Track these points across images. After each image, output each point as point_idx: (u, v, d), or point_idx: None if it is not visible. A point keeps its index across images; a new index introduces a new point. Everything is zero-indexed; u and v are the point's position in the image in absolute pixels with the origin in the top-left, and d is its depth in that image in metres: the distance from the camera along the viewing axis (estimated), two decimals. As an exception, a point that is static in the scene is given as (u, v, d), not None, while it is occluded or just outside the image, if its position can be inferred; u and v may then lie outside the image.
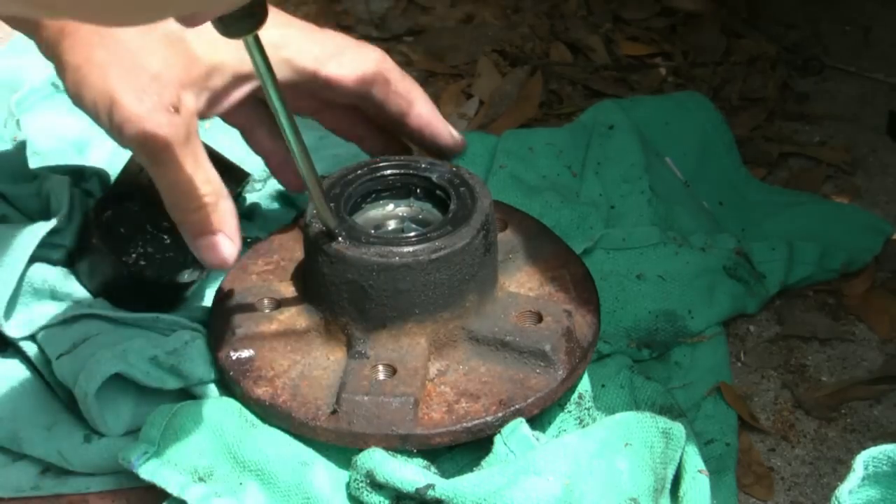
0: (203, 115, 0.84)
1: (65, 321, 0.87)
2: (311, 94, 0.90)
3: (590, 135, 1.09)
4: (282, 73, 0.83)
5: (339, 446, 0.81)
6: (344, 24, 1.35)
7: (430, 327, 0.83)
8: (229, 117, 0.91)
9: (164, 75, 0.79)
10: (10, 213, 0.96)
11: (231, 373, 0.83)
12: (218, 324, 0.87)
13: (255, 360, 0.84)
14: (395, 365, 0.81)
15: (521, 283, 0.90)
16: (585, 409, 0.84)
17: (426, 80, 1.28)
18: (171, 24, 0.77)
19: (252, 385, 0.82)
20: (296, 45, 0.85)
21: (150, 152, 0.78)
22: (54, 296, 0.89)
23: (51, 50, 0.80)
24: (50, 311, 0.88)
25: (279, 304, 0.87)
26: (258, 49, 0.70)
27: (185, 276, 0.91)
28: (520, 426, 0.80)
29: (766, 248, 1.01)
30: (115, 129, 0.79)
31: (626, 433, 0.77)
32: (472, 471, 0.79)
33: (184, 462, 0.80)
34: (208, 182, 0.80)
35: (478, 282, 0.84)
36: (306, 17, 1.37)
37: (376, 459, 0.77)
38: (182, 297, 0.92)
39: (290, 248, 0.93)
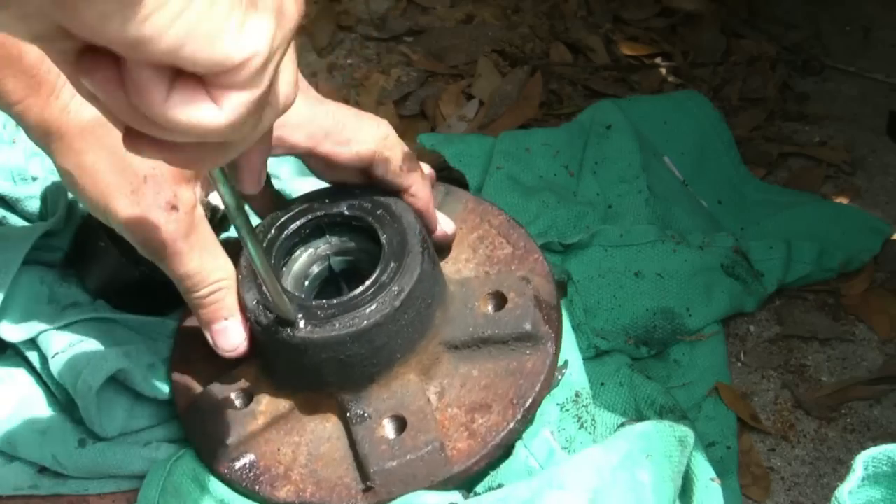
0: (202, 201, 0.81)
1: (65, 325, 0.87)
2: (313, 160, 0.86)
3: (587, 134, 1.09)
4: (276, 149, 0.80)
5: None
6: (344, 24, 1.35)
7: (413, 360, 0.80)
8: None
9: (157, 175, 0.77)
10: (9, 215, 0.96)
11: (244, 484, 0.80)
12: (202, 438, 0.82)
13: (259, 462, 0.80)
14: (399, 413, 0.79)
15: (456, 260, 0.88)
16: (583, 406, 0.84)
17: (426, 80, 1.28)
18: None
19: (271, 490, 0.79)
20: (291, 122, 0.81)
21: (153, 251, 0.78)
22: (52, 298, 0.89)
23: (45, 152, 0.79)
24: (47, 313, 0.88)
25: (250, 395, 0.82)
26: (224, 179, 0.65)
27: None
28: (540, 430, 0.80)
29: (764, 247, 1.01)
30: (118, 230, 0.79)
31: (648, 445, 0.77)
32: (490, 475, 0.79)
33: None
34: (217, 270, 0.79)
35: (437, 296, 0.82)
36: (306, 18, 1.37)
37: None
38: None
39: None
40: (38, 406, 0.87)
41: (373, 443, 0.78)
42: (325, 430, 0.81)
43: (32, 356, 0.87)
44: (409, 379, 0.80)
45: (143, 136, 0.52)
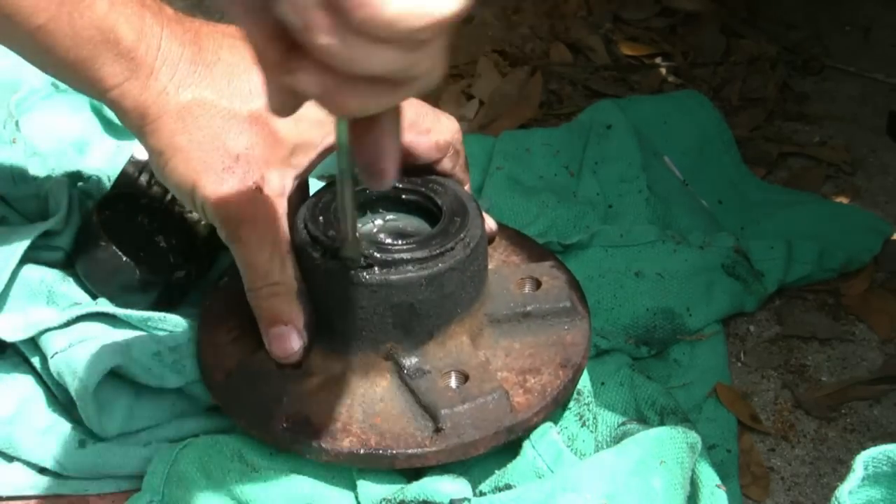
0: (286, 195, 0.82)
1: (66, 323, 0.87)
2: None
3: (587, 134, 1.09)
4: None
5: (343, 481, 0.80)
6: (344, 24, 1.35)
7: (467, 323, 0.82)
8: None
9: (249, 155, 0.79)
10: (10, 214, 0.96)
11: (302, 436, 0.78)
12: (247, 400, 0.81)
13: (313, 420, 0.79)
14: (460, 369, 0.80)
15: None
16: (585, 404, 0.84)
17: (426, 80, 1.28)
18: (255, 104, 0.79)
19: (333, 441, 0.78)
20: None
21: (230, 230, 0.79)
22: (51, 298, 0.89)
23: (136, 134, 0.80)
24: (46, 313, 0.88)
25: (299, 361, 0.82)
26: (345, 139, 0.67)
27: (182, 275, 0.91)
28: (548, 431, 0.80)
29: (764, 247, 1.01)
30: (200, 209, 0.80)
31: (661, 451, 0.77)
32: (497, 473, 0.79)
33: None
34: (285, 270, 0.80)
35: (486, 264, 0.85)
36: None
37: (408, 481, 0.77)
38: (183, 295, 0.93)
39: (232, 308, 0.86)
40: (38, 406, 0.87)
41: (438, 391, 0.78)
42: (375, 393, 0.81)
43: (32, 356, 0.87)
44: (463, 341, 0.82)
45: (309, 65, 0.50)
